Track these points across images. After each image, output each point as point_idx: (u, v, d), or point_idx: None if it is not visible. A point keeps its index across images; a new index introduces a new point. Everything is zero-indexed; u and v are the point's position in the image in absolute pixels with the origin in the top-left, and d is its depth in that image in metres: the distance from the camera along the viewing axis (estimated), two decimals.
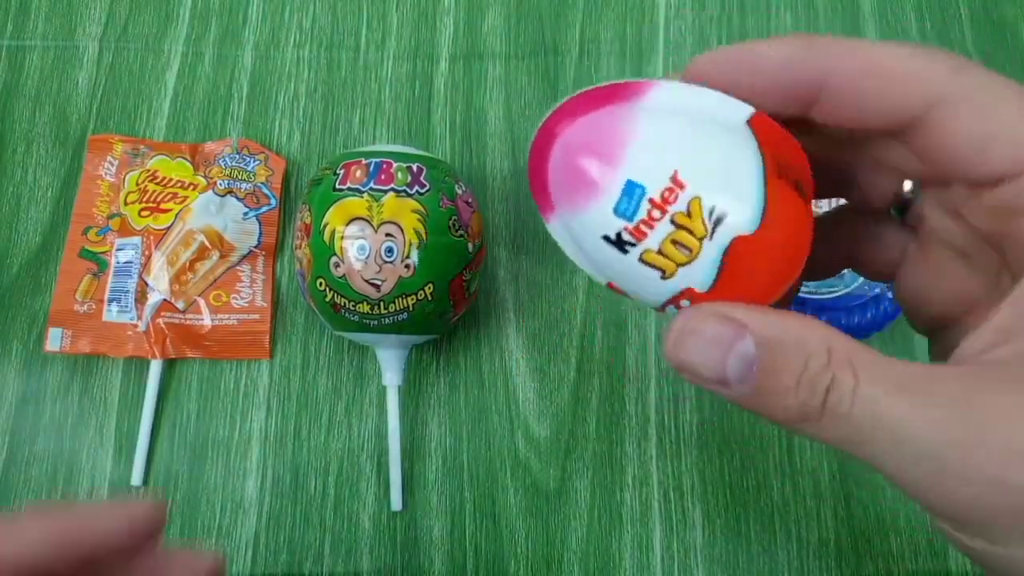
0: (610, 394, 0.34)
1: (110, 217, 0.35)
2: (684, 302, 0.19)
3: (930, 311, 0.21)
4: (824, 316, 0.32)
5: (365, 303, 0.30)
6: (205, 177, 0.36)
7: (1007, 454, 0.15)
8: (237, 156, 0.36)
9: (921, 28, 0.40)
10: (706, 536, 0.32)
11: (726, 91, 0.19)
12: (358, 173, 0.30)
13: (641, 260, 0.19)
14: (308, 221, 0.30)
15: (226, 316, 0.34)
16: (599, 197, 0.19)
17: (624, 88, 0.19)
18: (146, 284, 0.34)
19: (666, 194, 0.18)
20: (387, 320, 0.30)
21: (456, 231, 0.30)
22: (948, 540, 0.18)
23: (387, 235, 0.29)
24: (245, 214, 0.35)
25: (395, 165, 0.30)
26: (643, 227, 0.19)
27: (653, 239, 0.18)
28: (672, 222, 0.18)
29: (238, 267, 0.35)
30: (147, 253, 0.34)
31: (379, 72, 0.39)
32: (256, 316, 0.34)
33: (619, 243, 0.19)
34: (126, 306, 0.34)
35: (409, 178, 0.30)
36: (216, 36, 0.39)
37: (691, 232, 0.18)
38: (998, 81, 0.17)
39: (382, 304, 0.30)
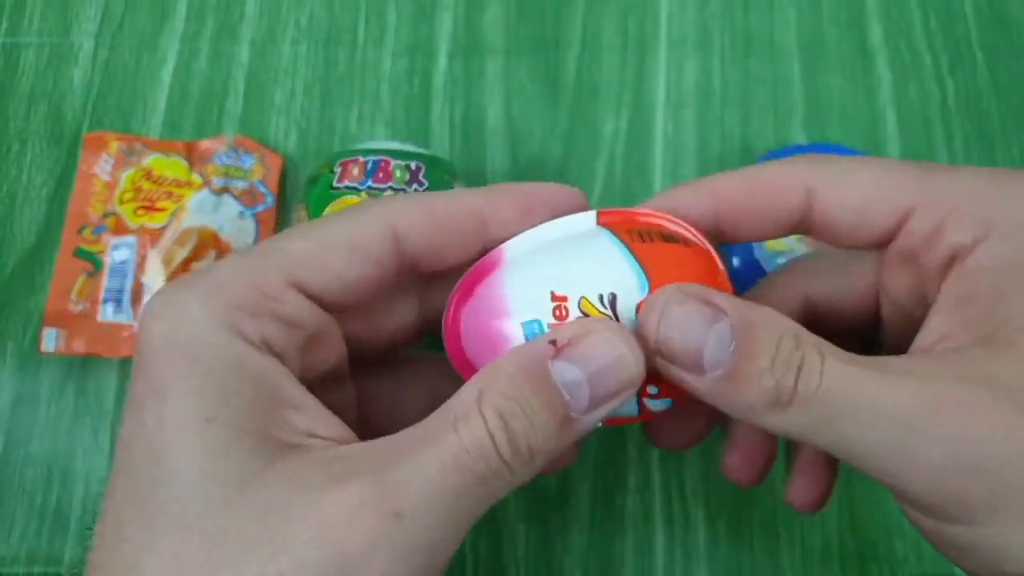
0: None
1: (105, 216, 0.35)
2: (651, 388, 0.20)
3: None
4: None
5: None
6: (200, 175, 0.35)
7: (976, 417, 0.16)
8: (233, 154, 0.36)
9: (926, 25, 0.39)
10: (709, 540, 0.32)
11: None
12: (355, 171, 0.30)
13: None
14: (305, 220, 0.30)
15: None
16: (511, 345, 0.20)
17: (486, 263, 0.21)
18: (141, 284, 0.34)
19: (557, 312, 0.20)
20: None
21: None
22: (915, 525, 0.18)
23: None
24: (241, 213, 0.35)
25: (393, 163, 0.30)
26: None
27: None
28: None
29: None
30: (142, 252, 0.34)
31: (377, 68, 0.38)
32: None
33: None
34: (122, 306, 0.33)
35: (408, 176, 0.30)
36: (212, 32, 0.39)
37: None
38: (855, 162, 0.20)
39: None
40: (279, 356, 0.19)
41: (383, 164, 0.30)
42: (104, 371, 0.34)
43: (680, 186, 0.22)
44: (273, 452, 0.17)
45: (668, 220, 0.21)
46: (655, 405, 0.21)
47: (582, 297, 0.20)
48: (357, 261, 0.20)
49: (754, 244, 0.33)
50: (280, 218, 0.36)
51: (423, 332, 0.24)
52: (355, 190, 0.29)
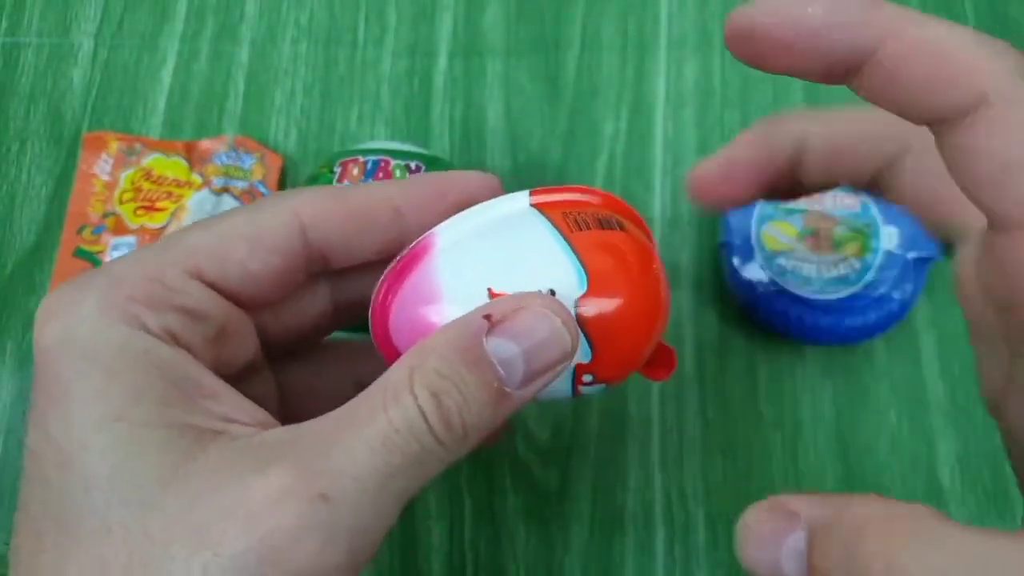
0: (611, 396, 0.33)
1: (104, 216, 0.35)
2: (586, 376, 0.20)
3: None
4: (828, 318, 0.32)
5: None
6: (200, 175, 0.35)
7: None
8: (233, 154, 0.36)
9: None
10: (708, 539, 0.32)
11: (764, 48, 0.17)
12: (355, 171, 0.30)
13: None
14: None
15: None
16: None
17: (418, 248, 0.20)
18: None
19: None
20: None
21: None
22: None
23: None
24: None
25: (393, 163, 0.30)
26: None
27: None
28: None
29: None
30: None
31: (377, 68, 0.38)
32: None
33: None
34: None
35: (407, 176, 0.30)
36: (212, 33, 0.39)
37: None
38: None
39: None
40: (186, 348, 0.18)
41: (383, 164, 0.30)
42: None
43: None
44: (192, 444, 0.17)
45: (600, 198, 0.21)
46: (589, 390, 0.20)
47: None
48: (259, 251, 0.20)
49: (754, 244, 0.33)
50: None
51: (337, 322, 0.24)
52: None
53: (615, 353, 0.20)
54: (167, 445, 0.17)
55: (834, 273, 0.32)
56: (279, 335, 0.22)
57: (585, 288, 0.19)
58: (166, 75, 0.38)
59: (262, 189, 0.36)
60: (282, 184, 0.36)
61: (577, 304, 0.19)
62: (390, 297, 0.20)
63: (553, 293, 0.19)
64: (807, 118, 0.21)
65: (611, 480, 0.32)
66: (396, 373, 0.17)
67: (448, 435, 0.17)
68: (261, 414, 0.19)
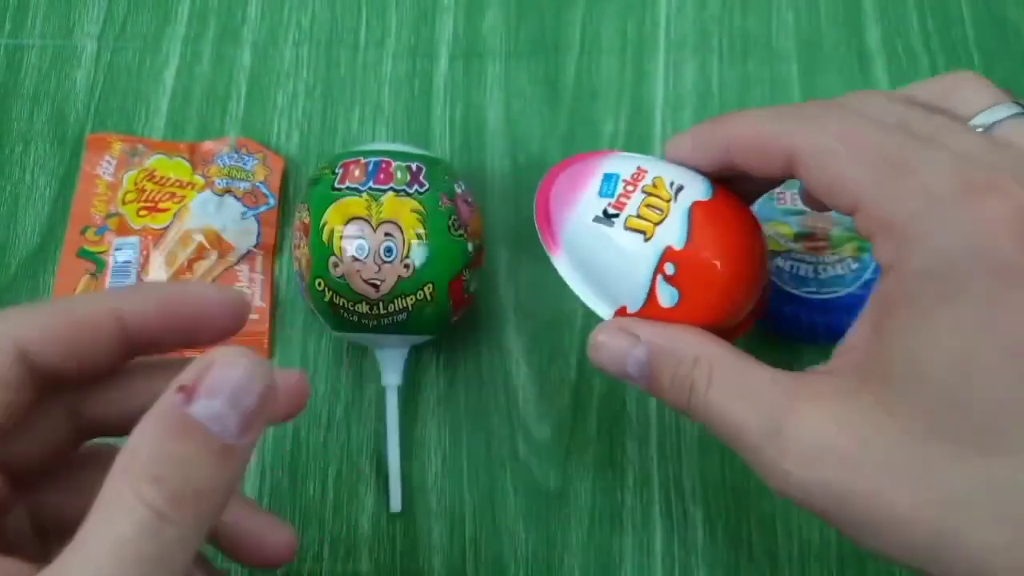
0: (610, 395, 0.34)
1: (108, 217, 0.35)
2: (668, 266, 0.24)
3: None
4: (826, 317, 0.32)
5: (364, 303, 0.29)
6: (203, 176, 0.36)
7: (800, 454, 0.20)
8: (235, 155, 0.36)
9: (923, 26, 0.39)
10: (707, 537, 0.32)
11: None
12: (357, 172, 0.30)
13: (626, 227, 0.25)
14: (307, 221, 0.30)
15: None
16: (587, 188, 0.26)
17: (591, 154, 0.27)
18: None
19: (635, 176, 0.25)
20: (386, 320, 0.30)
21: (455, 230, 0.30)
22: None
23: (386, 235, 0.29)
24: (243, 214, 0.35)
25: (394, 164, 0.30)
26: (622, 199, 0.25)
27: (631, 207, 0.25)
28: (643, 191, 0.25)
29: (236, 267, 0.35)
30: (145, 253, 0.34)
31: (378, 70, 0.38)
32: (255, 316, 0.34)
33: (606, 216, 0.25)
34: None
35: (408, 177, 0.30)
36: (215, 35, 0.39)
37: (659, 197, 0.24)
38: (829, 138, 0.21)
39: (381, 304, 0.29)
40: None
41: (384, 165, 0.30)
42: None
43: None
44: None
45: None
46: (665, 294, 0.24)
47: (657, 176, 0.25)
48: None
49: None
50: (282, 219, 0.36)
51: (81, 439, 0.22)
52: (356, 191, 0.30)
53: (709, 242, 0.24)
54: None
55: (831, 273, 0.32)
56: (18, 468, 0.20)
57: (710, 195, 0.24)
58: (169, 77, 0.38)
59: (264, 190, 0.36)
60: (284, 185, 0.36)
61: (691, 208, 0.24)
62: (557, 174, 0.27)
63: (681, 188, 0.24)
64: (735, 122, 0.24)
65: (610, 479, 0.33)
66: (110, 482, 0.16)
67: (182, 511, 0.16)
68: (14, 568, 0.17)
